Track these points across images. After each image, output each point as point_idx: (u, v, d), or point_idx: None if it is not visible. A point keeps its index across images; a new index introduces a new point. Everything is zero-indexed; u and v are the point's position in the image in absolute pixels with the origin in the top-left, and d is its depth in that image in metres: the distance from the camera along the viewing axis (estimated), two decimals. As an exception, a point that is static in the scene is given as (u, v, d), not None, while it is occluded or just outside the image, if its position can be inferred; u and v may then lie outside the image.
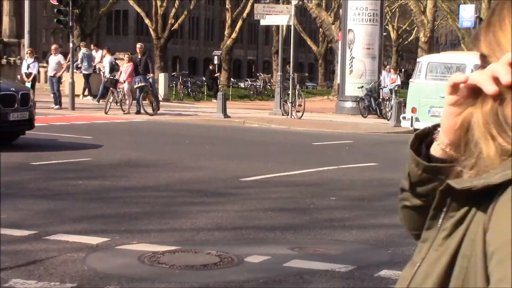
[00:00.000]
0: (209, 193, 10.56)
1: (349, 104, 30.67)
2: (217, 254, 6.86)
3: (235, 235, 7.90)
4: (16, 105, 14.81)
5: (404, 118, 21.73)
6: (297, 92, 28.01)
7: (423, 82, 20.89)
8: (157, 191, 10.68)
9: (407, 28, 76.89)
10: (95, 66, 34.29)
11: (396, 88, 32.80)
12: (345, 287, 5.92)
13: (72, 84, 27.07)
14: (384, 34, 40.94)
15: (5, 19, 36.98)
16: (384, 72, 35.02)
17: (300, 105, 27.55)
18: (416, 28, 62.06)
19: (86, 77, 31.35)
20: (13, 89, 15.27)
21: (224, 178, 12.10)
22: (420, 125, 19.21)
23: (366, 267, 6.53)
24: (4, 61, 33.73)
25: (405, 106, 23.25)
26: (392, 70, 37.55)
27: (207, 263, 6.58)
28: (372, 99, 29.46)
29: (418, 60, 26.39)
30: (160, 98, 30.12)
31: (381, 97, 30.34)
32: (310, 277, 6.18)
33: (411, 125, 20.62)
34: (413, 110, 20.69)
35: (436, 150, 1.28)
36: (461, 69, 19.48)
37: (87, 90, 31.89)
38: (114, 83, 27.16)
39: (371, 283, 6.07)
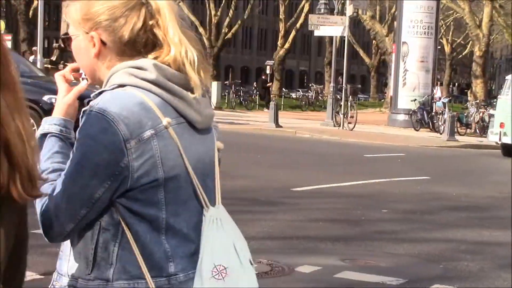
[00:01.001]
0: (260, 202, 10.59)
1: (401, 117, 30.51)
2: (268, 263, 6.88)
3: (286, 244, 7.90)
4: None
5: (492, 132, 21.82)
6: (349, 103, 27.97)
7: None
8: (209, 198, 10.73)
9: (462, 42, 76.20)
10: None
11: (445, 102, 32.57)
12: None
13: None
14: (438, 47, 40.66)
15: (64, 25, 37.51)
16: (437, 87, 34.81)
17: (352, 117, 27.50)
18: (470, 42, 61.52)
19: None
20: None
21: (275, 187, 12.12)
22: (508, 140, 19.32)
23: (417, 281, 6.50)
24: (61, 66, 34.20)
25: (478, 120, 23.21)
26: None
27: (258, 271, 6.57)
28: (425, 112, 29.27)
29: (506, 77, 26.65)
30: (213, 107, 30.22)
31: (434, 111, 30.13)
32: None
33: (499, 140, 20.75)
34: (501, 125, 20.81)
35: None
36: None
37: None
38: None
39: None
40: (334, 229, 8.90)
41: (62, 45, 2.11)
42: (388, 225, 9.34)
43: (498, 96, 23.09)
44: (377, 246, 8.06)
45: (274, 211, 9.90)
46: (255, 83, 49.27)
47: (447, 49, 74.51)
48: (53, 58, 36.25)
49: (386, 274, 6.66)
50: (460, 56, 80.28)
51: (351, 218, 9.76)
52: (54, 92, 14.42)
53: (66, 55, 37.55)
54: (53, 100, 14.41)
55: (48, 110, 14.32)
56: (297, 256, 7.33)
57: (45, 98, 14.33)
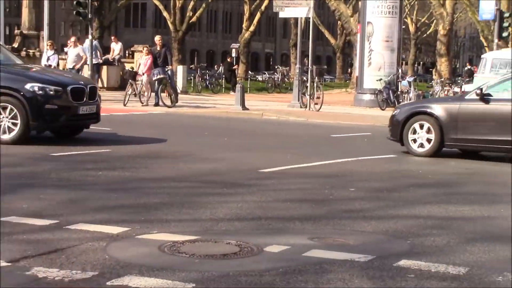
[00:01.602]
0: (228, 184, 10.59)
1: (367, 97, 30.64)
2: (236, 244, 6.89)
3: (255, 225, 7.92)
4: (85, 98, 14.92)
5: None
6: (315, 84, 28.00)
7: (488, 76, 21.33)
8: (177, 181, 10.73)
9: (426, 21, 76.59)
10: (114, 58, 34.42)
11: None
12: (365, 277, 5.93)
13: (92, 76, 27.16)
14: (403, 27, 40.78)
15: (25, 12, 37.11)
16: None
17: (318, 98, 27.56)
18: (435, 21, 61.79)
19: (96, 67, 31.11)
20: (82, 82, 15.41)
21: (243, 169, 12.14)
22: None
23: (385, 257, 6.54)
24: (23, 53, 33.88)
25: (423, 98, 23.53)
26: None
27: (227, 252, 6.61)
28: (390, 91, 29.41)
29: (482, 56, 27.07)
30: (179, 91, 30.18)
31: (399, 90, 30.29)
32: (329, 267, 6.19)
33: None
34: None
35: None
36: None
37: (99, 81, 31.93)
38: (133, 75, 27.26)
39: (390, 273, 6.07)
40: (302, 208, 8.93)
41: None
42: (356, 204, 9.39)
43: (475, 75, 23.44)
44: (345, 224, 8.10)
45: (242, 193, 9.92)
46: (220, 65, 49.13)
47: (411, 28, 74.85)
48: (15, 45, 35.95)
49: (354, 251, 6.70)
50: (425, 35, 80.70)
51: (319, 197, 9.81)
52: (37, 80, 14.41)
53: (28, 42, 36.98)
54: (36, 88, 14.26)
55: (30, 98, 14.19)
56: (266, 236, 7.35)
57: (28, 86, 14.18)
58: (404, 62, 64.20)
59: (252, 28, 53.42)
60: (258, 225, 7.91)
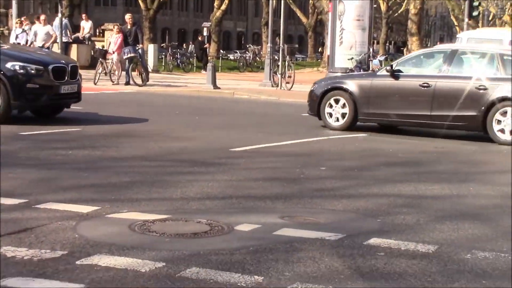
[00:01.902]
0: (199, 163, 10.57)
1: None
2: (207, 223, 6.87)
3: (225, 204, 7.91)
4: (66, 77, 14.77)
5: None
6: (287, 63, 28.00)
7: None
8: (147, 161, 10.68)
9: (397, 0, 76.62)
10: (84, 36, 34.12)
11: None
12: (335, 255, 5.94)
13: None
14: (374, 6, 40.83)
15: (-7, -11, 36.68)
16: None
17: (290, 77, 27.56)
18: (406, 0, 61.92)
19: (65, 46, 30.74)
20: (63, 61, 15.25)
21: (214, 148, 12.11)
22: None
23: (355, 236, 6.56)
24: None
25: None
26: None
27: (197, 231, 6.60)
28: (362, 70, 29.42)
29: (458, 36, 27.17)
30: (150, 70, 30.04)
31: (370, 69, 30.33)
32: (300, 245, 6.20)
33: None
34: None
35: None
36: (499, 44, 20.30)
37: None
38: (103, 53, 27.06)
39: (360, 251, 6.09)
40: (273, 187, 8.93)
41: None
42: (327, 182, 9.41)
43: None
44: (316, 203, 8.12)
45: (213, 172, 9.89)
46: (190, 44, 48.87)
47: (383, 7, 74.85)
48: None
49: (325, 230, 6.71)
50: (396, 14, 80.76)
51: (290, 176, 9.81)
52: (18, 59, 14.23)
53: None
54: (17, 67, 14.09)
55: (11, 77, 14.02)
56: (236, 215, 7.35)
57: (8, 65, 14.00)
58: (375, 41, 64.35)
59: (223, 6, 53.20)
60: (229, 204, 7.90)
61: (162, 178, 9.24)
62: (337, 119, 15.41)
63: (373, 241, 6.39)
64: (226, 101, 22.92)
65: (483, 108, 14.02)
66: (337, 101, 15.39)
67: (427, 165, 11.56)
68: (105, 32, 35.27)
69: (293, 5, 66.86)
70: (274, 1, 32.77)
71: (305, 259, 5.81)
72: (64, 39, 29.44)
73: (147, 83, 26.32)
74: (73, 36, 32.97)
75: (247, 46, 64.54)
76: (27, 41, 27.90)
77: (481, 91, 14.07)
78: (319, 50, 73.80)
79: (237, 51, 69.83)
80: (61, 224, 6.63)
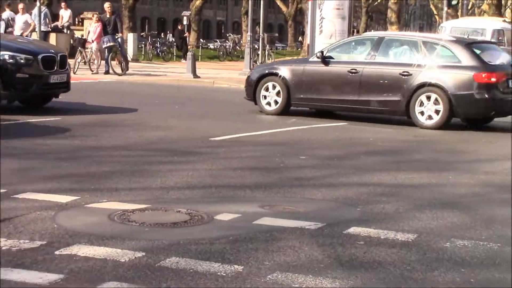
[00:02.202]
0: (178, 152, 10.55)
1: (319, 65, 30.62)
2: (187, 212, 6.86)
3: (205, 193, 7.90)
4: (55, 67, 14.67)
5: None
6: (266, 52, 28.00)
7: None
8: (127, 150, 10.64)
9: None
10: (63, 25, 33.88)
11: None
12: (315, 244, 5.95)
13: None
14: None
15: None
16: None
17: (270, 66, 27.50)
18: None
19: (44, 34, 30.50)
20: (52, 51, 15.14)
21: (194, 137, 12.09)
22: None
23: (335, 225, 6.57)
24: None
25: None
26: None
27: (177, 221, 6.59)
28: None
29: (441, 25, 27.32)
30: (129, 59, 29.91)
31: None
32: (279, 234, 6.21)
33: None
34: None
35: None
36: (482, 33, 20.52)
37: None
38: (83, 42, 26.92)
39: (340, 240, 6.11)
40: (253, 176, 8.94)
41: None
42: (306, 171, 9.42)
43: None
44: (296, 192, 8.12)
45: (192, 161, 9.88)
46: (168, 33, 48.67)
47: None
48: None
49: (305, 219, 6.72)
50: (376, 3, 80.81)
51: (269, 165, 9.81)
52: (7, 48, 14.07)
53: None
54: (6, 57, 13.97)
55: (0, 67, 13.89)
56: (216, 204, 7.34)
57: None
58: (355, 30, 64.34)
59: (203, -5, 52.95)
60: (208, 194, 7.89)
61: (142, 167, 9.21)
62: (271, 104, 15.82)
63: (353, 230, 6.41)
64: (206, 90, 22.88)
65: (406, 93, 14.42)
66: (272, 87, 15.81)
67: (405, 153, 11.60)
68: (84, 21, 35.09)
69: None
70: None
71: (284, 248, 5.81)
72: (43, 28, 29.26)
73: (127, 72, 26.20)
74: (52, 25, 32.74)
75: (227, 35, 64.38)
76: (5, 30, 27.70)
77: (405, 77, 14.46)
78: (299, 39, 73.78)
79: (217, 40, 69.72)
80: (39, 214, 6.60)
